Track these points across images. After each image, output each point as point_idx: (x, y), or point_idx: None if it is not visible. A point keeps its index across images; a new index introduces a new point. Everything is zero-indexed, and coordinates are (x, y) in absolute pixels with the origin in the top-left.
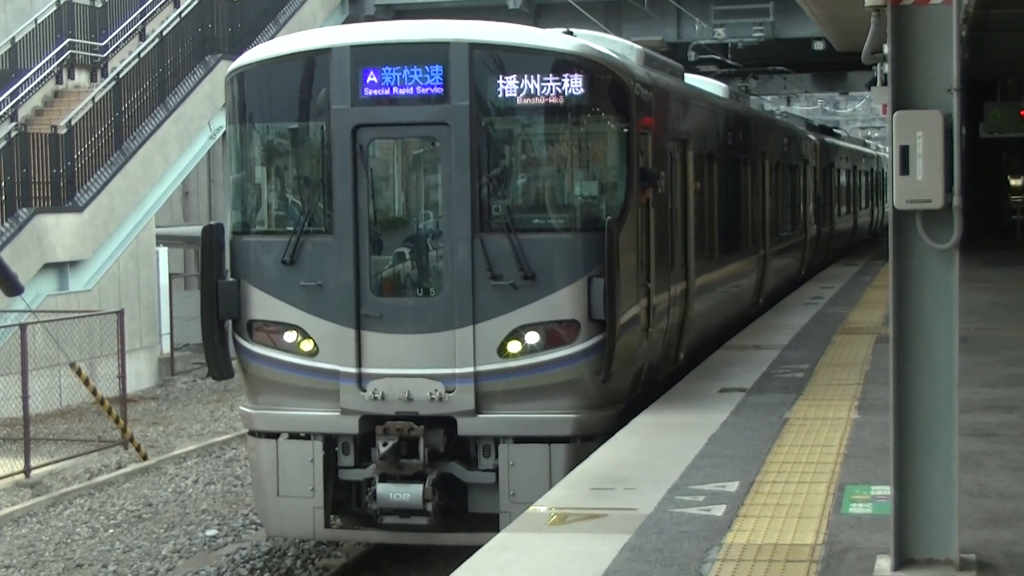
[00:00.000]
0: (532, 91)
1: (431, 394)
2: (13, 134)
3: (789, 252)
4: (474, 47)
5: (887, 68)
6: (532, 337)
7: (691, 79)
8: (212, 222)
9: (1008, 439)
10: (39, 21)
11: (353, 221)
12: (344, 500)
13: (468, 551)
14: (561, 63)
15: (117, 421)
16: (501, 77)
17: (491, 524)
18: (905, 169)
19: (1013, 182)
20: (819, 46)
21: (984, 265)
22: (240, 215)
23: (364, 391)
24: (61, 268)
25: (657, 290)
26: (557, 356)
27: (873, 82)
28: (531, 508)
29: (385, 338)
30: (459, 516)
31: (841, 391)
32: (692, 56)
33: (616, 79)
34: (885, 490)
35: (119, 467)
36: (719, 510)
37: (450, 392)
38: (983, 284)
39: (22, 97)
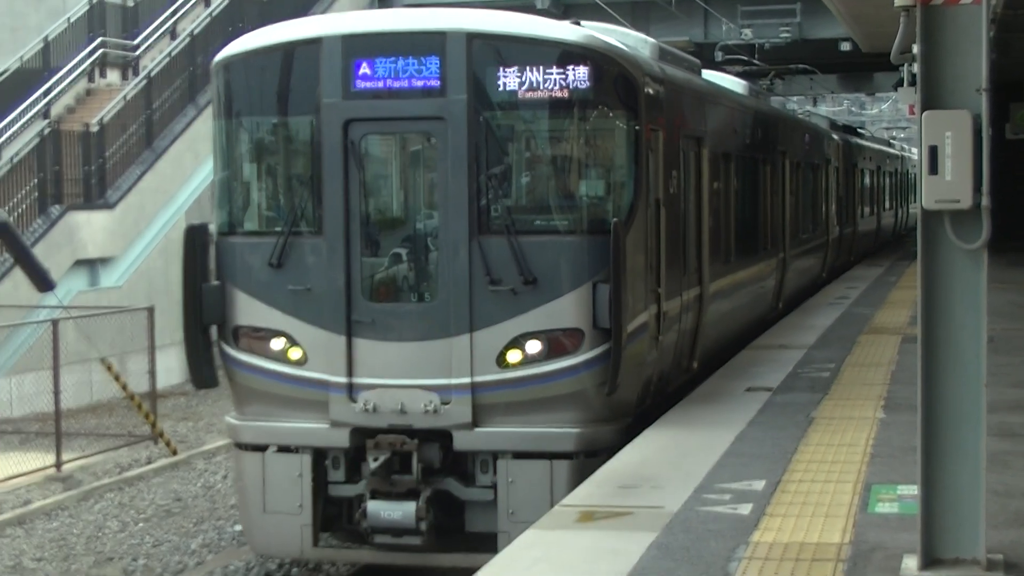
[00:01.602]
0: (534, 84)
1: (425, 406)
2: (46, 132)
3: (810, 254)
4: (472, 37)
5: (915, 68)
6: (533, 346)
7: (709, 75)
8: (195, 223)
9: None
10: (72, 20)
11: (344, 221)
12: (334, 517)
13: (465, 572)
14: (565, 54)
15: (147, 417)
16: (501, 69)
17: (489, 544)
18: (934, 169)
19: None
20: (846, 47)
21: (1009, 265)
22: (226, 215)
23: (355, 402)
24: (92, 265)
25: (668, 296)
26: (560, 367)
27: (900, 83)
28: (558, 506)
29: (377, 346)
30: (455, 535)
31: (867, 391)
32: (719, 56)
33: (624, 72)
34: (912, 489)
35: (149, 462)
36: (746, 509)
37: (446, 404)
38: (1009, 284)
39: (55, 95)
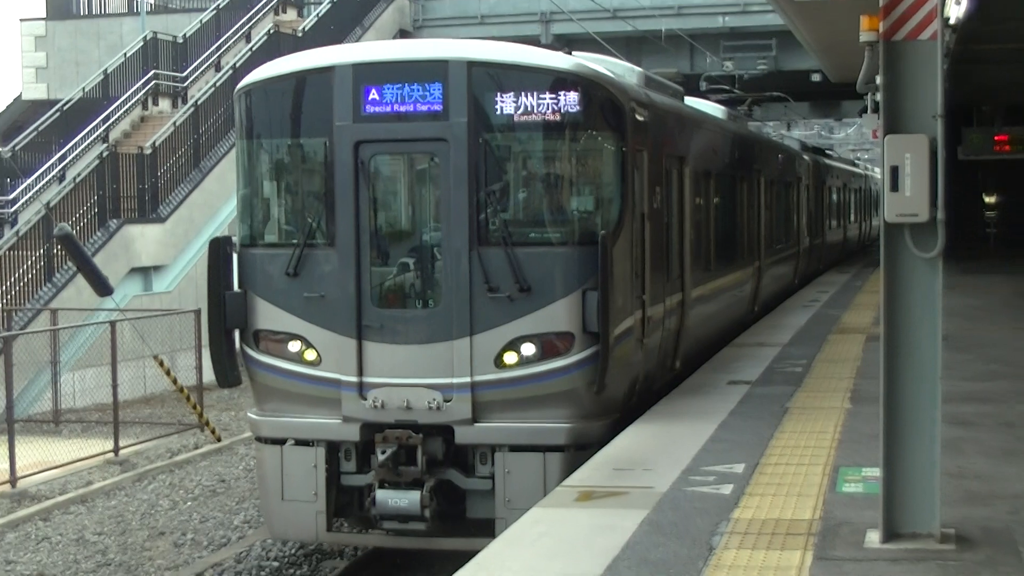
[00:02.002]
0: (529, 108)
1: (429, 403)
2: (105, 154)
3: (783, 263)
4: (472, 65)
5: (878, 97)
6: (528, 348)
7: (692, 101)
8: (219, 236)
9: (984, 427)
10: (128, 55)
11: (355, 234)
12: (347, 504)
13: (467, 555)
14: (557, 81)
15: (194, 407)
16: (499, 94)
17: (488, 529)
18: (895, 186)
19: (987, 199)
20: (816, 77)
21: (962, 272)
22: (247, 228)
23: (365, 399)
24: (146, 272)
25: (652, 302)
26: (552, 367)
27: (864, 110)
28: (560, 487)
29: (385, 348)
30: (457, 521)
31: (836, 384)
32: (703, 86)
33: (611, 97)
34: (875, 472)
35: (196, 448)
36: (727, 489)
37: (448, 401)
38: (961, 289)
39: (113, 121)
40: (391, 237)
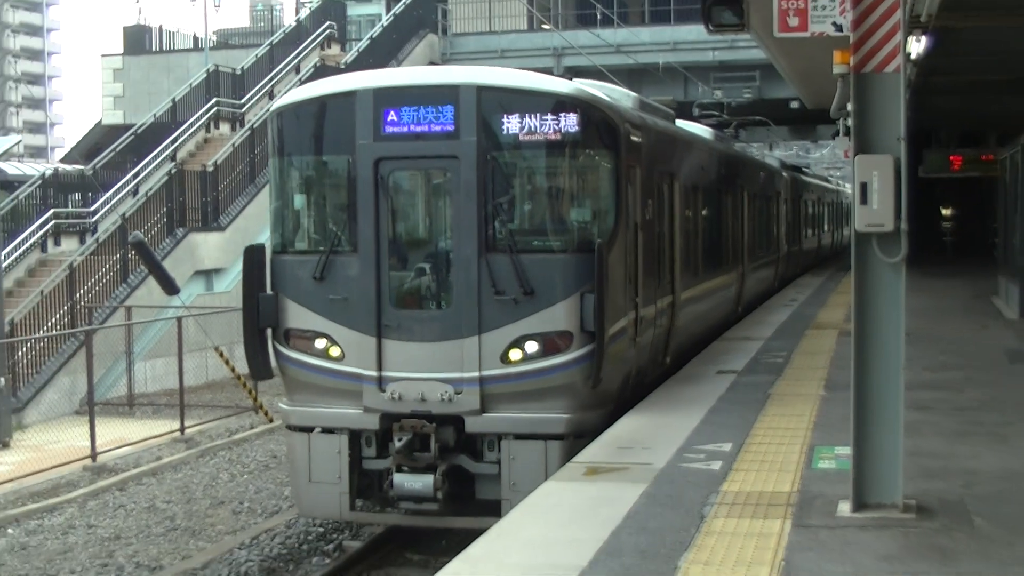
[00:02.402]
0: (532, 128)
1: (442, 396)
2: (173, 171)
3: (764, 268)
4: (481, 89)
5: (850, 121)
6: (531, 346)
7: (683, 123)
8: (253, 244)
9: (940, 412)
10: (193, 85)
11: (375, 242)
12: (368, 486)
13: (475, 533)
14: (558, 103)
15: (250, 392)
16: (505, 115)
17: (494, 510)
18: (864, 200)
19: (944, 212)
20: (795, 104)
21: (923, 276)
22: (279, 236)
23: (384, 392)
24: (208, 274)
25: (644, 304)
26: (553, 363)
27: (837, 133)
28: (570, 463)
29: (402, 345)
30: (467, 502)
31: (812, 373)
32: (696, 111)
33: (607, 118)
34: (846, 450)
35: (251, 428)
36: (717, 465)
37: (459, 394)
38: (922, 291)
39: (180, 143)
40: (408, 245)
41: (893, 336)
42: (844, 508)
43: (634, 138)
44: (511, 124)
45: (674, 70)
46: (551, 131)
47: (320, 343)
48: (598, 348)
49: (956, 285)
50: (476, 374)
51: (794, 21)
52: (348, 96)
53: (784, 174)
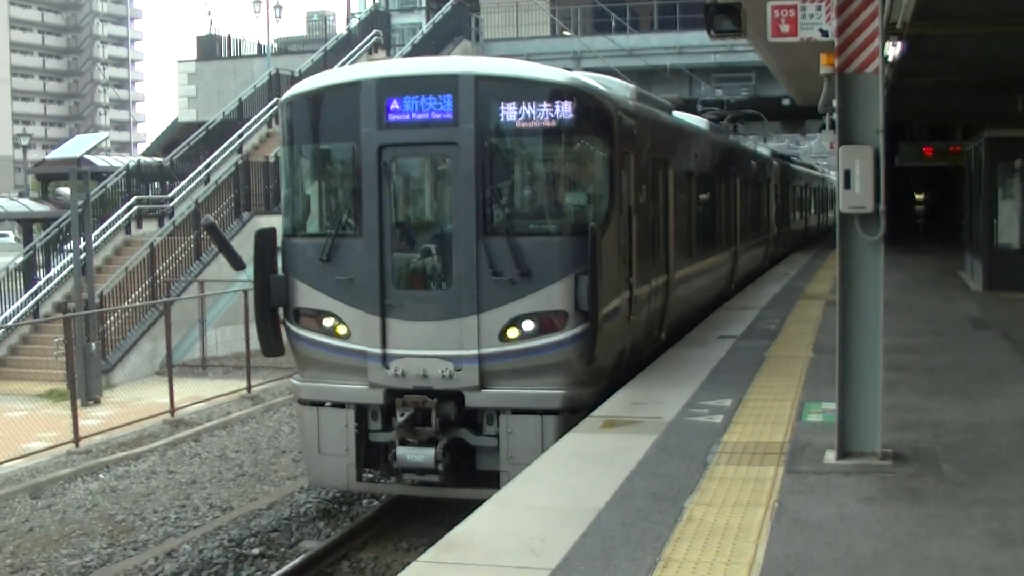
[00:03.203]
0: (529, 116)
1: (443, 372)
2: (239, 163)
3: (756, 247)
4: (479, 79)
5: (835, 116)
6: (528, 325)
7: (680, 115)
8: (264, 227)
9: (913, 372)
10: (257, 86)
11: (378, 226)
12: (375, 457)
13: (475, 503)
14: (553, 92)
15: None
16: (502, 104)
17: (494, 481)
18: (848, 185)
19: (917, 197)
20: (786, 102)
21: (898, 253)
22: (289, 220)
23: (388, 369)
24: None
25: (639, 284)
26: (549, 341)
27: (823, 127)
28: (589, 417)
29: (405, 324)
30: (468, 473)
31: (802, 338)
32: (699, 108)
33: (601, 106)
34: (831, 405)
35: None
36: (718, 418)
37: (459, 371)
38: (897, 266)
39: (245, 138)
40: (410, 228)
41: (873, 305)
42: (830, 456)
43: (628, 125)
44: (508, 112)
45: (680, 71)
46: (547, 118)
47: (328, 322)
48: (592, 327)
49: (927, 261)
50: (475, 352)
51: (785, 28)
52: (353, 86)
53: (774, 162)
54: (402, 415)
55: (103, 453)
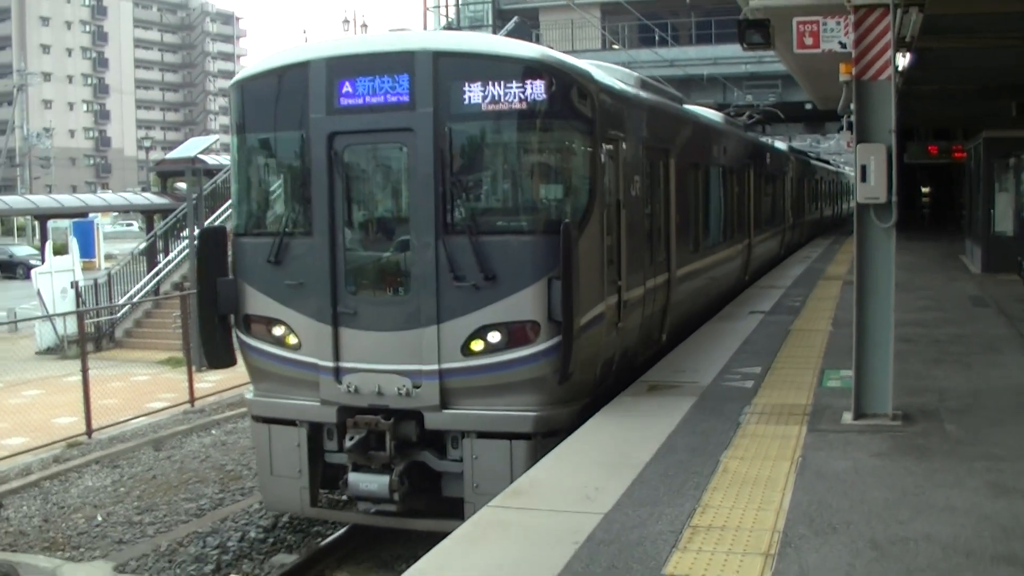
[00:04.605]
0: (494, 97)
1: (399, 389)
2: None
3: (771, 239)
4: (438, 56)
5: (852, 118)
6: (494, 336)
7: (692, 108)
8: (211, 226)
9: (921, 343)
10: None
11: (329, 223)
12: (334, 478)
13: (440, 536)
14: (524, 69)
15: None
16: (465, 84)
17: (461, 510)
18: (864, 179)
19: (923, 190)
20: (808, 106)
21: (907, 239)
22: (238, 217)
23: (340, 384)
24: None
25: (630, 286)
26: (518, 355)
27: (841, 128)
28: (636, 382)
29: (359, 334)
30: (434, 499)
31: (822, 313)
32: (732, 112)
33: (578, 85)
34: (849, 373)
35: None
36: (749, 384)
37: (417, 388)
38: (906, 251)
39: None
40: (364, 226)
41: (885, 284)
42: (847, 417)
43: (615, 110)
44: (472, 93)
45: (715, 79)
46: (516, 100)
47: (278, 330)
48: (565, 340)
49: (932, 247)
50: (435, 367)
51: (809, 41)
52: (301, 67)
53: (792, 157)
54: (352, 438)
55: (214, 412)
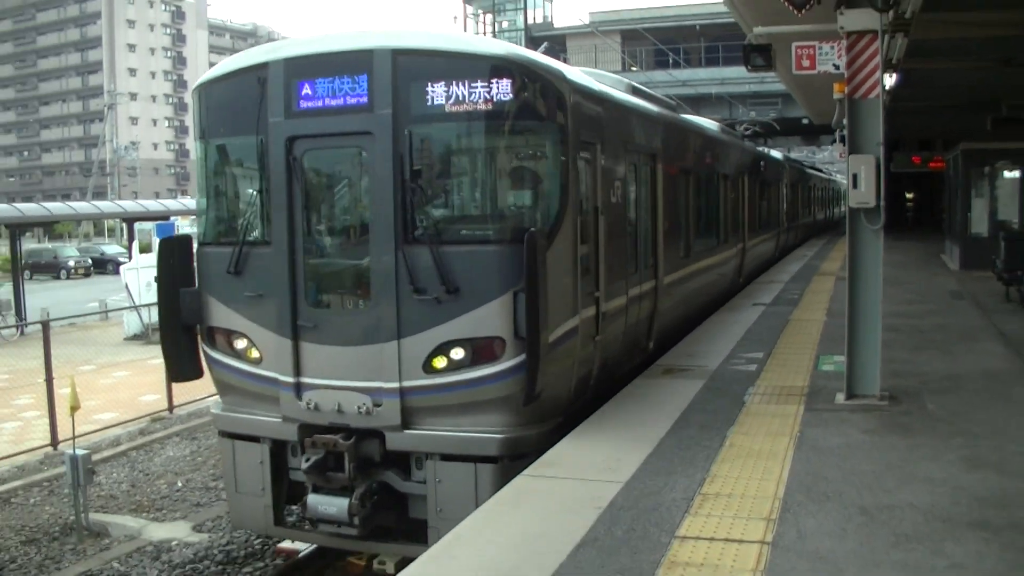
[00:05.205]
0: (458, 97)
1: (359, 407)
2: None
3: (765, 242)
4: (398, 54)
5: (844, 132)
6: (457, 353)
7: (691, 117)
8: (171, 235)
9: (905, 333)
10: None
11: (289, 232)
12: (300, 496)
13: (404, 561)
14: (488, 68)
15: None
16: (427, 84)
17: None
18: (855, 185)
19: (908, 196)
20: (805, 121)
21: (893, 240)
22: (201, 226)
23: (301, 400)
24: None
25: (610, 296)
26: (483, 373)
27: (835, 140)
28: (653, 366)
29: (319, 349)
30: (400, 520)
31: (818, 305)
32: (747, 129)
33: (548, 85)
34: (841, 358)
35: None
36: (753, 367)
37: (378, 406)
38: (892, 250)
39: None
40: (325, 235)
41: (874, 279)
42: (840, 397)
43: (591, 112)
44: (434, 93)
45: (722, 98)
46: (481, 100)
47: (240, 343)
48: (530, 359)
49: (915, 246)
50: (396, 384)
51: (806, 63)
52: (260, 69)
53: (786, 165)
54: (308, 459)
55: None
